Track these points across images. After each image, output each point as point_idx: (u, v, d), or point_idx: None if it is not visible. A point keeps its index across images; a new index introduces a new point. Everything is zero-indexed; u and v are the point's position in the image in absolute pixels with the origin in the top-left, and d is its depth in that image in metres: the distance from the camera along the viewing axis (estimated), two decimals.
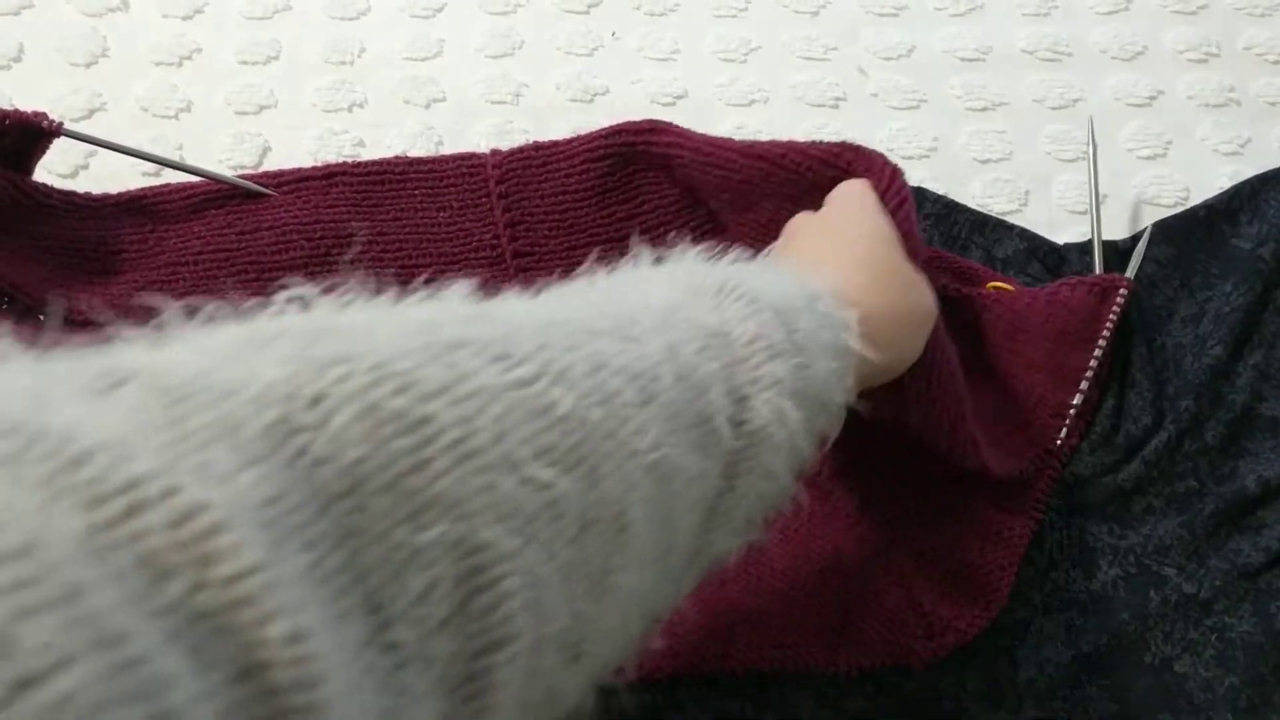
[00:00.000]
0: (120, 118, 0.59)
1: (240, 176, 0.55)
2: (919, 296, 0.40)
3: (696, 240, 0.35)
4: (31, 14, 0.61)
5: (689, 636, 0.47)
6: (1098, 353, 0.52)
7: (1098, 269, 0.55)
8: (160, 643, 0.16)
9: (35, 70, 0.60)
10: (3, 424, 0.17)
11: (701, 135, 0.51)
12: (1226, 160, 0.61)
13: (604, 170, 0.54)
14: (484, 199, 0.55)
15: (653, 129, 0.52)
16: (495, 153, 0.56)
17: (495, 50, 0.63)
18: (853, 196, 0.42)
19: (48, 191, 0.51)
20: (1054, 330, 0.53)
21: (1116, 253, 0.57)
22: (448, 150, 0.59)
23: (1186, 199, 0.60)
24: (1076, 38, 0.65)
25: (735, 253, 0.35)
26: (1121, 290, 0.53)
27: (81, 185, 0.53)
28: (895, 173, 0.43)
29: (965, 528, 0.50)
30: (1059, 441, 0.52)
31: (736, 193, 0.49)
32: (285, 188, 0.55)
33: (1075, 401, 0.52)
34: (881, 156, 0.44)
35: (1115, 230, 0.59)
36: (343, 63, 0.62)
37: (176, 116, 0.60)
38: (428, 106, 0.61)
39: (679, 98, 0.62)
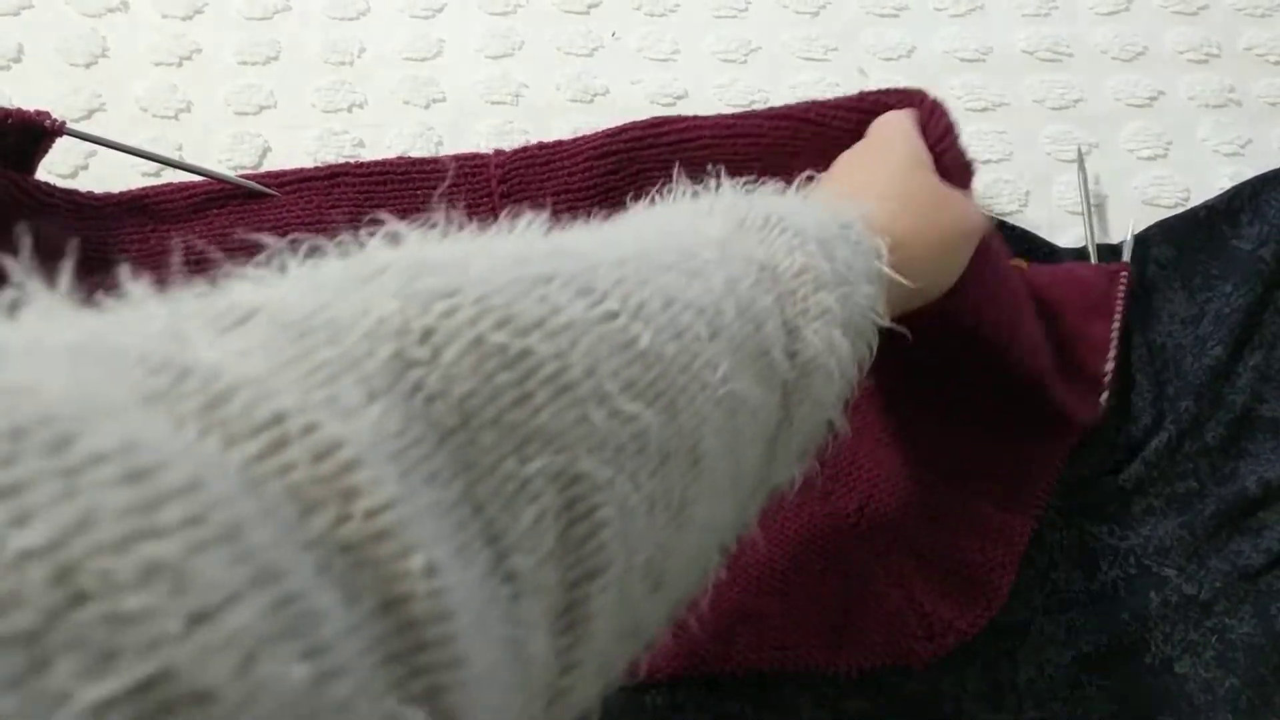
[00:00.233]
0: (120, 118, 0.59)
1: (242, 176, 0.55)
2: (954, 216, 0.39)
3: None
4: (31, 14, 0.61)
5: (689, 637, 0.47)
6: (1116, 322, 0.53)
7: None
8: (311, 578, 0.16)
9: (35, 70, 0.60)
10: (152, 360, 0.17)
11: (717, 115, 0.51)
12: (1227, 161, 0.61)
13: (607, 169, 0.54)
14: (486, 199, 0.55)
15: (660, 122, 0.52)
16: (498, 153, 0.56)
17: (495, 50, 0.63)
18: (886, 125, 0.43)
19: (50, 191, 0.51)
20: (1077, 300, 0.53)
21: (1115, 257, 0.57)
22: (448, 150, 0.59)
23: (1187, 199, 0.60)
24: (1077, 38, 0.65)
25: (770, 185, 0.35)
26: (1123, 274, 0.54)
27: (82, 185, 0.53)
28: (935, 104, 0.43)
29: (965, 527, 0.50)
30: (1101, 406, 0.52)
31: (766, 159, 0.49)
32: (287, 188, 0.55)
33: (1108, 368, 0.52)
34: (921, 92, 0.44)
35: (1116, 231, 0.59)
36: (342, 63, 0.62)
37: (176, 117, 0.60)
38: (427, 107, 0.61)
39: (679, 98, 0.62)
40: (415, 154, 0.58)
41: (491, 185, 0.55)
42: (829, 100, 0.46)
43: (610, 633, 0.24)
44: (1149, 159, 0.62)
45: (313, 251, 0.23)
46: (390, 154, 0.58)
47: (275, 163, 0.58)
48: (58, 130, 0.49)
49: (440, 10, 0.63)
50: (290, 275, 0.22)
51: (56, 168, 0.55)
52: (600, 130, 0.54)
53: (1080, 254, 0.58)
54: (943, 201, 0.39)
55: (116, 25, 0.62)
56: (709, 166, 0.52)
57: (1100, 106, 0.63)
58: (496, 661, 0.20)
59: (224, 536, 0.15)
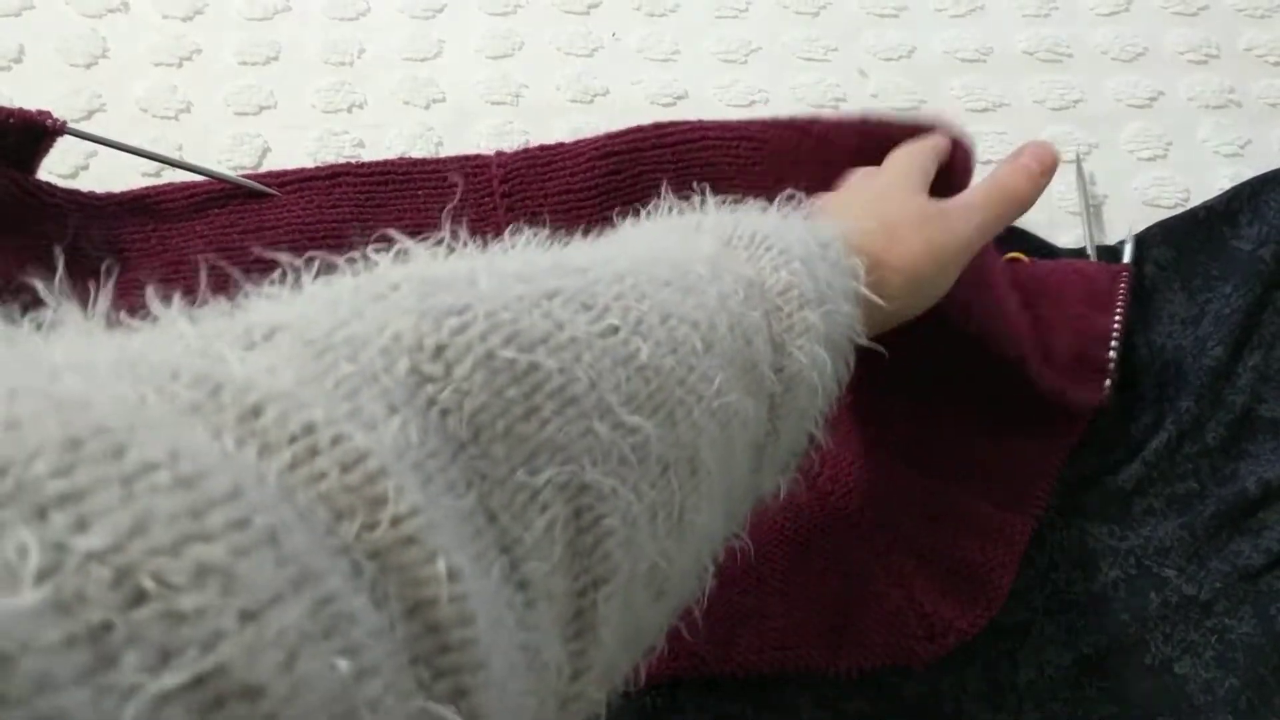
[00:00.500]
0: (120, 118, 0.59)
1: (243, 176, 0.55)
2: (938, 238, 0.39)
3: None
4: (31, 15, 0.61)
5: (689, 638, 0.47)
6: (1118, 317, 0.53)
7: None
8: (344, 581, 0.17)
9: (35, 71, 0.60)
10: (189, 375, 0.18)
11: (721, 119, 0.51)
12: (1227, 162, 0.61)
13: (608, 169, 0.54)
14: (487, 198, 0.55)
15: (665, 122, 0.52)
16: (500, 154, 0.56)
17: (495, 51, 0.63)
18: (893, 155, 0.43)
19: (51, 190, 0.51)
20: (1080, 292, 0.53)
21: (1115, 258, 0.57)
22: (447, 151, 0.59)
23: (1187, 200, 0.60)
24: (1077, 39, 0.65)
25: (755, 202, 0.36)
26: (1124, 274, 0.54)
27: (83, 185, 0.53)
28: (959, 143, 0.44)
29: (965, 527, 0.50)
30: (1105, 394, 0.52)
31: (767, 165, 0.49)
32: (288, 187, 0.55)
33: (1111, 356, 0.52)
34: (927, 124, 0.45)
35: (1115, 231, 0.59)
36: (342, 63, 0.62)
37: (176, 117, 0.60)
38: (427, 107, 0.61)
39: (679, 98, 0.62)
40: (415, 154, 0.58)
41: (493, 185, 0.55)
42: (833, 118, 0.47)
43: (616, 640, 0.25)
44: (1149, 159, 0.62)
45: (326, 268, 0.24)
46: (390, 154, 0.58)
47: (275, 163, 0.58)
48: (59, 130, 0.49)
49: (440, 10, 0.64)
50: (306, 293, 0.23)
51: (57, 168, 0.55)
52: (602, 133, 0.54)
53: (1079, 255, 0.58)
54: (927, 223, 0.39)
55: (116, 25, 0.62)
56: (708, 167, 0.53)
57: (1100, 107, 0.63)
58: (513, 666, 0.20)
59: (265, 540, 0.16)
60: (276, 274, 0.23)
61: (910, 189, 0.40)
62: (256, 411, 0.18)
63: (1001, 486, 0.51)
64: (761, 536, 0.49)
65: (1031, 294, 0.54)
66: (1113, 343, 0.53)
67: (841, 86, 0.63)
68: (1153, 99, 0.63)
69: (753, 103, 0.62)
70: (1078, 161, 0.60)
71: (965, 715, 0.48)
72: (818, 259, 0.34)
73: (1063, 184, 0.60)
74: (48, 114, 0.49)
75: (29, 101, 0.49)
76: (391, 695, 0.17)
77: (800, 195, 0.38)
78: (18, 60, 0.60)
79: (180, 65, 0.61)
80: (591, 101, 0.62)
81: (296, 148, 0.59)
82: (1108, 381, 0.52)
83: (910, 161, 0.42)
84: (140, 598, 0.14)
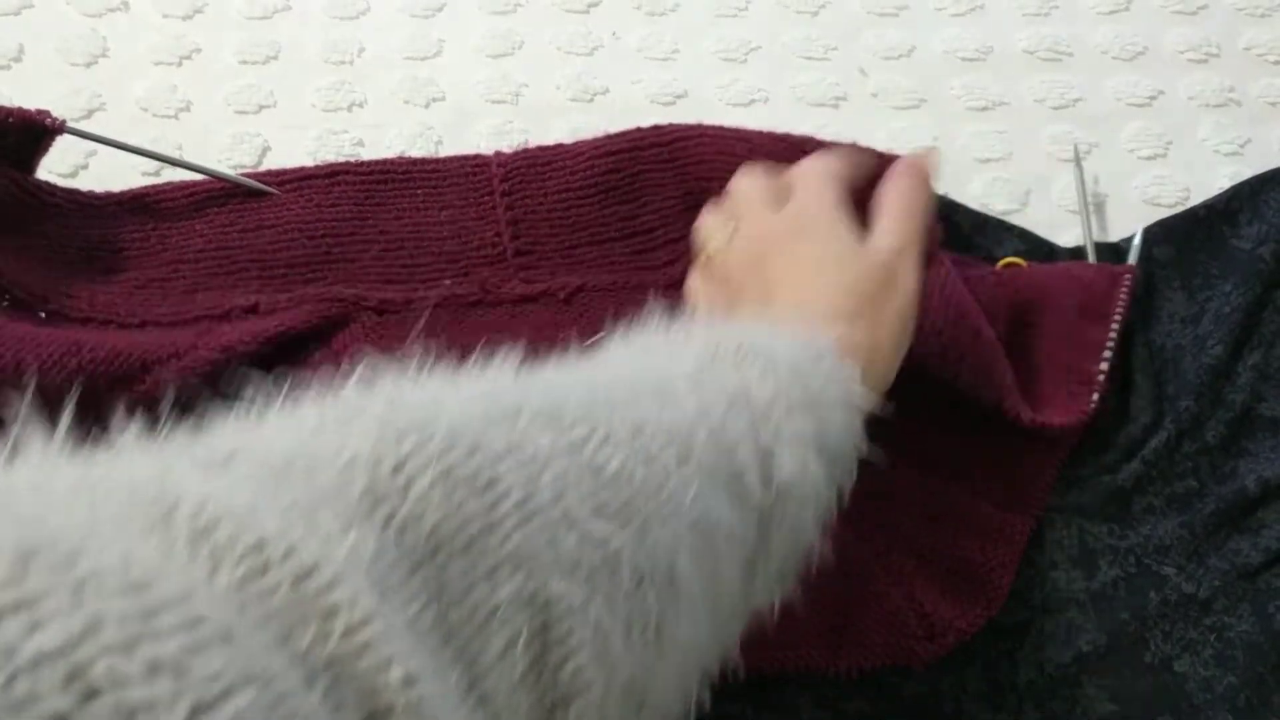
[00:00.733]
0: (120, 118, 0.59)
1: (243, 175, 0.55)
2: (897, 295, 0.40)
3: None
4: (31, 14, 0.61)
5: None
6: (1114, 326, 0.53)
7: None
8: (300, 685, 0.17)
9: (35, 70, 0.60)
10: (146, 494, 0.19)
11: (720, 125, 0.53)
12: (1227, 161, 0.61)
13: (607, 168, 0.54)
14: (487, 198, 0.55)
15: (664, 125, 0.52)
16: (499, 153, 0.56)
17: (495, 50, 0.63)
18: (805, 206, 0.43)
19: (50, 190, 0.51)
20: (1074, 302, 0.53)
21: (1116, 255, 0.57)
22: (447, 150, 0.59)
23: (1187, 199, 0.60)
24: (1077, 38, 0.65)
25: (747, 312, 0.37)
26: (1127, 276, 0.54)
27: (82, 184, 0.53)
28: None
29: (965, 527, 0.50)
30: (1091, 406, 0.52)
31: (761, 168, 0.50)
32: (288, 186, 0.55)
33: (1102, 368, 0.52)
34: (893, 157, 0.46)
35: (1116, 231, 0.59)
36: (342, 63, 0.62)
37: (176, 116, 0.60)
38: (427, 106, 0.61)
39: (679, 98, 0.62)
40: (415, 153, 0.58)
41: (493, 185, 0.55)
42: (829, 145, 0.48)
43: None
44: (1149, 159, 0.62)
45: (293, 393, 0.24)
46: (390, 154, 0.58)
47: (275, 162, 0.58)
48: (58, 129, 0.49)
49: (440, 10, 0.64)
50: (269, 419, 0.23)
51: (56, 167, 0.55)
52: (602, 134, 0.54)
53: (1079, 254, 0.58)
54: (881, 286, 0.40)
55: (116, 25, 0.62)
56: (704, 165, 0.53)
57: (1100, 106, 0.63)
58: None
59: (218, 639, 0.16)
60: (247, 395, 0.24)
61: (853, 247, 0.41)
62: (209, 529, 0.18)
63: (1001, 486, 0.51)
64: None
65: (1026, 302, 0.53)
66: (1105, 353, 0.52)
67: (841, 85, 0.63)
68: (1153, 98, 0.63)
69: (753, 102, 0.62)
70: (1077, 160, 0.60)
71: (965, 715, 0.48)
72: (810, 367, 0.34)
73: (1062, 183, 0.60)
74: (47, 113, 0.49)
75: (29, 101, 0.49)
76: None
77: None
78: (17, 60, 0.60)
79: (180, 64, 0.61)
80: (591, 101, 0.62)
81: (296, 147, 0.59)
82: (1095, 395, 0.52)
83: (830, 213, 0.42)
84: (92, 694, 0.14)
